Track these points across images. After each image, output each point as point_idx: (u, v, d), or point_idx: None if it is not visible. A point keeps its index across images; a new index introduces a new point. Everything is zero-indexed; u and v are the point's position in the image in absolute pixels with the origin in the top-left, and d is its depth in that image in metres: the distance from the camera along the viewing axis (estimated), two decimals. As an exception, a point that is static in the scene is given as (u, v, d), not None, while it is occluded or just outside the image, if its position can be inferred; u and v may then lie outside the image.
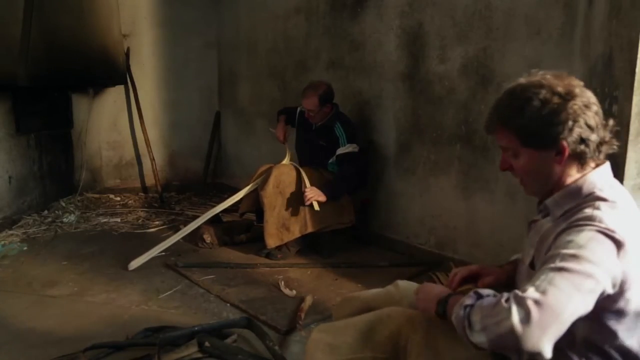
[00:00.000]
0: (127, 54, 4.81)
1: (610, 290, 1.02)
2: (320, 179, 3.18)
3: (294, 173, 3.12)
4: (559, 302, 0.95)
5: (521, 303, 0.96)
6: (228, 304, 2.56)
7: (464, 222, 2.98)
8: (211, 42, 5.12)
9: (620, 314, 1.06)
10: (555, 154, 1.12)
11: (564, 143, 1.10)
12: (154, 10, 4.89)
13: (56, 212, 4.14)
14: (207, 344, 2.01)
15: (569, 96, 1.09)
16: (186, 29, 4.97)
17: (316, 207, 3.02)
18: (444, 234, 3.11)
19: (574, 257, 1.00)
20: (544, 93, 1.10)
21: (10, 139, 3.81)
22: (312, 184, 3.07)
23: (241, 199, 3.31)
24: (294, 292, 2.66)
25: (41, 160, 4.19)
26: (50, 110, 4.28)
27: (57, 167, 4.42)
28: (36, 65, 3.51)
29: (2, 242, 3.42)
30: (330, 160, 3.23)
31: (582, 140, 1.10)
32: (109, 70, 4.52)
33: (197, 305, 2.56)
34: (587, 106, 1.10)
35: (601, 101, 1.88)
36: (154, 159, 4.86)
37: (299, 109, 3.51)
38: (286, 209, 3.09)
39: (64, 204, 4.31)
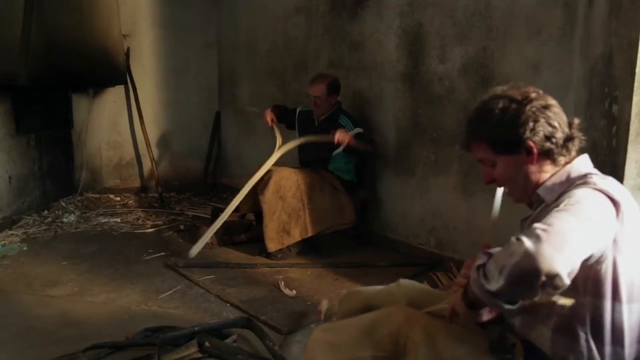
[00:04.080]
0: (127, 54, 4.81)
1: (604, 248, 1.06)
2: (321, 180, 3.18)
3: (294, 177, 3.12)
4: (565, 229, 0.99)
5: (530, 233, 0.99)
6: (228, 304, 2.56)
7: (464, 222, 2.98)
8: (211, 42, 5.12)
9: (614, 283, 1.08)
10: (526, 155, 1.19)
11: (530, 143, 1.18)
12: (154, 10, 4.88)
13: (56, 212, 4.13)
14: (207, 344, 2.01)
15: (525, 101, 1.19)
16: (186, 29, 4.97)
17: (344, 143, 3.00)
18: (444, 234, 3.11)
19: (575, 202, 1.05)
20: (502, 102, 1.20)
21: (10, 139, 3.80)
22: (311, 186, 3.11)
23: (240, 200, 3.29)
24: (294, 292, 2.66)
25: (41, 160, 4.19)
26: (50, 110, 4.28)
27: (57, 167, 4.42)
28: (36, 65, 3.51)
29: (2, 242, 3.42)
30: (336, 151, 3.18)
31: (548, 138, 1.18)
32: (109, 70, 4.52)
33: (197, 305, 2.56)
34: (545, 107, 1.19)
35: (601, 101, 1.89)
36: (154, 159, 4.87)
37: (298, 109, 3.51)
38: (286, 214, 3.09)
39: (64, 204, 4.31)
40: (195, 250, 3.04)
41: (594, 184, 1.11)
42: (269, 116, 3.44)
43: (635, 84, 1.58)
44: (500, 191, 1.39)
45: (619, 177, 1.63)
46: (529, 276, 0.96)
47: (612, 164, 1.73)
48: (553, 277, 0.95)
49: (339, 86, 3.33)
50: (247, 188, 3.14)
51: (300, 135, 3.44)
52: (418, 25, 3.12)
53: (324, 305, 2.42)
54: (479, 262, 1.09)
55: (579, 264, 1.00)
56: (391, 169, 3.40)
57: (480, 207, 2.87)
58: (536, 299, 1.01)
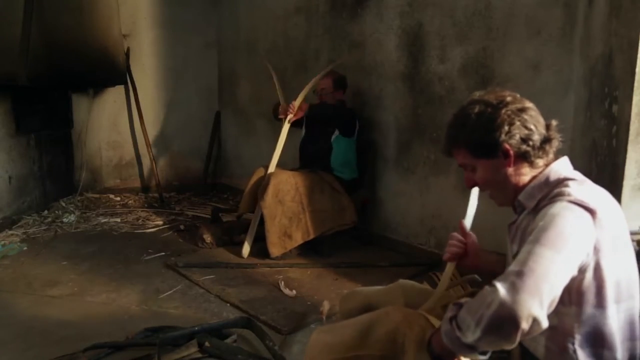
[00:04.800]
0: (127, 54, 4.81)
1: (585, 258, 1.05)
2: (320, 182, 3.18)
3: (292, 180, 3.12)
4: (540, 266, 0.98)
5: (504, 279, 0.99)
6: (228, 304, 2.56)
7: (464, 222, 2.97)
8: (211, 42, 5.12)
9: (598, 288, 1.08)
10: (504, 158, 1.20)
11: (506, 146, 1.19)
12: (154, 10, 4.89)
13: (56, 212, 4.14)
14: (207, 344, 2.01)
15: (500, 104, 1.20)
16: (186, 29, 4.97)
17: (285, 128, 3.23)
18: (444, 234, 3.11)
19: (549, 225, 1.05)
20: (478, 107, 1.21)
21: (10, 139, 3.81)
22: (310, 188, 3.13)
23: (239, 202, 3.32)
24: (294, 292, 2.66)
25: (41, 160, 4.19)
26: (50, 110, 4.28)
27: (57, 167, 4.42)
28: (36, 65, 3.51)
29: (2, 242, 3.42)
30: (335, 135, 3.29)
31: (524, 141, 1.19)
32: (109, 70, 4.52)
33: (197, 305, 2.56)
34: (520, 110, 1.19)
35: (601, 101, 1.89)
36: (154, 159, 4.87)
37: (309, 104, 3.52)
38: (287, 217, 3.09)
39: (64, 204, 4.31)
40: (245, 251, 3.20)
41: (569, 194, 1.10)
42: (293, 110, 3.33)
43: (635, 84, 1.59)
44: (475, 193, 1.41)
45: (619, 177, 1.63)
46: (508, 326, 0.96)
47: (612, 164, 1.73)
48: (532, 324, 0.95)
49: (346, 84, 3.42)
50: (278, 148, 3.29)
51: (307, 128, 3.49)
52: (418, 25, 3.12)
53: (326, 306, 2.42)
54: (450, 314, 1.09)
55: (560, 292, 1.00)
56: (391, 169, 3.40)
57: (479, 206, 2.86)
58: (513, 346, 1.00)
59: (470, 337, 1.01)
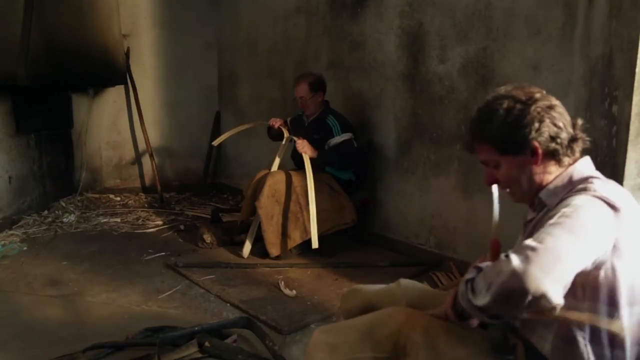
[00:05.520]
0: (127, 54, 4.81)
1: (603, 255, 1.05)
2: (318, 182, 3.16)
3: (289, 180, 3.11)
4: (557, 246, 0.98)
5: (519, 251, 0.99)
6: (228, 304, 2.56)
7: (464, 222, 2.98)
8: (211, 42, 5.12)
9: (612, 288, 1.08)
10: (531, 155, 1.18)
11: (535, 143, 1.17)
12: (154, 10, 4.89)
13: (56, 212, 4.14)
14: (207, 344, 2.01)
15: (530, 101, 1.18)
16: (186, 29, 4.97)
17: (306, 160, 3.05)
18: (444, 234, 3.11)
19: (571, 213, 1.04)
20: (507, 103, 1.19)
21: (10, 139, 3.81)
22: (308, 188, 3.09)
23: (241, 208, 3.31)
24: (294, 292, 2.66)
25: (41, 160, 4.19)
26: (50, 110, 4.28)
27: (57, 167, 4.42)
28: (36, 65, 3.51)
29: (2, 242, 3.42)
30: (327, 146, 3.22)
31: (553, 139, 1.17)
32: (109, 70, 4.52)
33: (197, 305, 2.56)
34: (550, 107, 1.18)
35: (601, 101, 1.89)
36: (154, 159, 4.87)
37: (289, 118, 3.51)
38: (285, 217, 3.09)
39: (64, 204, 4.31)
40: (246, 252, 3.20)
41: (594, 190, 1.09)
42: (277, 122, 3.39)
43: (635, 84, 1.58)
44: (496, 191, 1.37)
45: (619, 177, 1.63)
46: (515, 296, 0.97)
47: (612, 164, 1.73)
48: (539, 298, 0.95)
49: (324, 84, 3.32)
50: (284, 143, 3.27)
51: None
52: (418, 25, 3.12)
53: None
54: (468, 276, 1.10)
55: (572, 279, 1.00)
56: (391, 169, 3.40)
57: (480, 207, 2.87)
58: (524, 315, 1.02)
59: (481, 300, 1.03)
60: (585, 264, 1.03)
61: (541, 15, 2.50)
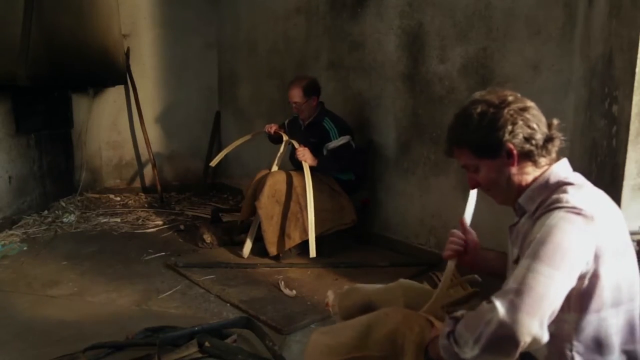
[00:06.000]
0: (127, 54, 4.81)
1: (585, 267, 1.05)
2: (319, 182, 3.17)
3: (289, 180, 3.11)
4: (539, 284, 0.98)
5: (502, 296, 0.99)
6: (228, 304, 2.56)
7: (464, 222, 2.97)
8: (211, 42, 5.12)
9: (597, 294, 1.08)
10: (507, 157, 1.20)
11: (510, 145, 1.18)
12: (154, 10, 4.89)
13: (56, 212, 4.14)
14: (207, 344, 2.01)
15: (503, 104, 1.19)
16: (186, 29, 4.98)
17: (306, 168, 3.03)
18: (444, 234, 3.11)
19: (547, 237, 1.04)
20: (480, 107, 1.21)
21: (10, 139, 3.81)
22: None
23: (241, 208, 3.31)
24: (294, 292, 2.66)
25: (41, 160, 4.19)
26: (50, 110, 4.28)
27: (57, 167, 4.43)
28: (36, 65, 3.51)
29: (2, 242, 3.42)
30: (325, 150, 3.21)
31: (527, 140, 1.18)
32: (109, 70, 4.52)
33: (197, 305, 2.56)
34: (523, 110, 1.19)
35: (601, 101, 1.89)
36: (154, 159, 4.87)
37: (286, 120, 3.50)
38: (285, 217, 3.08)
39: (64, 204, 4.31)
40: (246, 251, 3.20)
41: (566, 201, 1.08)
42: (272, 127, 3.41)
43: (635, 84, 1.59)
44: (474, 195, 1.40)
45: (619, 177, 1.63)
46: (506, 344, 0.97)
47: (612, 164, 1.73)
48: (531, 342, 0.96)
49: (318, 87, 3.29)
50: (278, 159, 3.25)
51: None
52: (418, 25, 3.12)
53: (330, 296, 2.37)
54: (447, 329, 1.09)
55: (558, 309, 1.00)
56: (391, 169, 3.40)
57: (479, 206, 2.86)
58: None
59: (468, 353, 1.02)
60: (570, 286, 1.03)
61: (541, 15, 2.50)
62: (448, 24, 2.94)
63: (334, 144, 3.17)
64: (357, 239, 3.51)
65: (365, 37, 3.48)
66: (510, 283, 1.00)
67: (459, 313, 1.11)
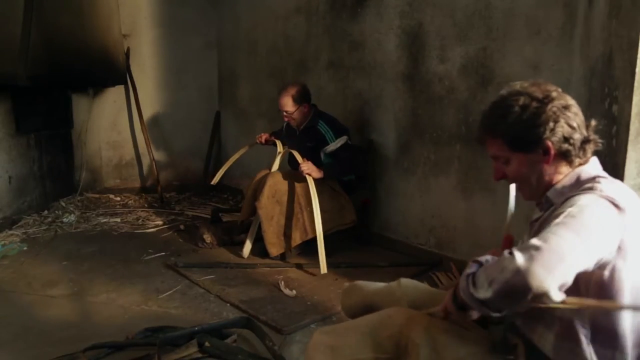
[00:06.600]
0: (127, 54, 4.81)
1: (608, 255, 1.05)
2: (319, 182, 3.17)
3: (289, 181, 3.11)
4: (560, 246, 0.99)
5: (524, 249, 1.00)
6: (228, 304, 2.56)
7: (463, 222, 2.98)
8: (211, 42, 5.12)
9: (616, 288, 1.08)
10: (543, 154, 1.18)
11: (549, 143, 1.16)
12: (154, 10, 4.89)
13: (56, 212, 4.14)
14: (207, 344, 2.01)
15: (547, 100, 1.16)
16: (186, 29, 4.98)
17: (311, 182, 2.99)
18: (444, 234, 3.11)
19: (577, 213, 1.04)
20: (523, 99, 1.17)
21: (10, 139, 3.81)
22: (308, 189, 3.07)
23: (241, 208, 3.31)
24: (294, 292, 2.66)
25: (41, 160, 4.19)
26: (50, 110, 4.28)
27: (57, 167, 4.42)
28: (36, 65, 3.51)
29: (2, 242, 3.42)
30: (322, 160, 3.20)
31: (566, 139, 1.16)
32: (109, 70, 4.52)
33: (197, 305, 2.56)
34: (565, 107, 1.17)
35: (601, 101, 1.89)
36: (154, 159, 4.87)
37: (284, 124, 3.50)
38: (285, 217, 3.08)
39: (64, 204, 4.31)
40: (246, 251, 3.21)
41: (600, 190, 1.09)
42: (262, 137, 3.48)
43: (635, 84, 1.58)
44: (513, 188, 1.37)
45: (619, 177, 1.63)
46: (518, 292, 0.98)
47: (612, 164, 1.73)
48: (541, 295, 0.97)
49: (307, 93, 3.26)
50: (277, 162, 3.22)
51: (288, 146, 3.36)
52: (418, 25, 3.12)
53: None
54: (469, 270, 1.11)
55: (573, 278, 1.00)
56: (391, 169, 3.40)
57: (480, 206, 2.87)
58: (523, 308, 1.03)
59: (482, 294, 1.03)
60: (587, 264, 1.03)
61: (541, 15, 2.50)
62: (448, 24, 2.94)
63: (332, 146, 3.16)
64: (357, 239, 3.51)
65: (365, 37, 3.48)
66: (534, 240, 1.00)
67: (482, 258, 1.12)
